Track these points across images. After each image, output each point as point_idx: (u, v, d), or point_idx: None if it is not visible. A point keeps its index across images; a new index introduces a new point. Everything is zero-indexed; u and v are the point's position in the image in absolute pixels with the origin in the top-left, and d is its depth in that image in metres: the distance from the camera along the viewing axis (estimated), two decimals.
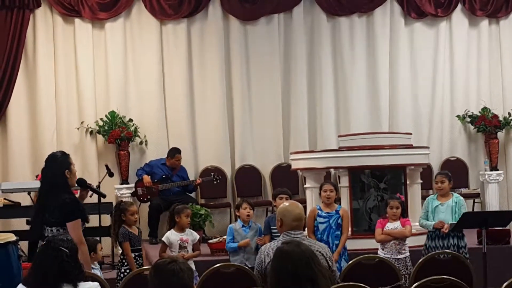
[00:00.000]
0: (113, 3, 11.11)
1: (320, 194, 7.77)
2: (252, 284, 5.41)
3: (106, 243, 9.24)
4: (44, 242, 4.12)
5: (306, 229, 7.46)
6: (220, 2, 11.52)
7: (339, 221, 7.59)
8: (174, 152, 10.82)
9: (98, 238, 7.75)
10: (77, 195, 6.00)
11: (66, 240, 4.08)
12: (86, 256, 5.75)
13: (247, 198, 8.18)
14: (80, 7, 10.94)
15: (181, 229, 7.32)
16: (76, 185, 5.98)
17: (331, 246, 7.37)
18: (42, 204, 5.72)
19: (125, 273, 7.04)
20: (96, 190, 6.78)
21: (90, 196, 7.80)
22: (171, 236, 7.29)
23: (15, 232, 7.34)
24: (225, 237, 8.08)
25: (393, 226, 7.42)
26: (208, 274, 5.75)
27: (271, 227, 7.49)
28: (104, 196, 7.28)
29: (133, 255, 7.14)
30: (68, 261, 3.95)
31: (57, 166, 5.69)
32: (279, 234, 6.69)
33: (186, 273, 3.50)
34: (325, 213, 7.62)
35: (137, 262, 7.17)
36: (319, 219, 7.61)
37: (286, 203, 5.27)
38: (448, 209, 7.53)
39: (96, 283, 4.13)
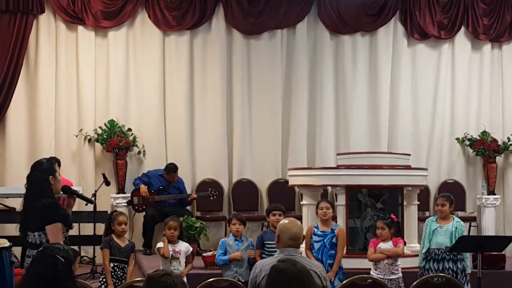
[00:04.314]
0: (117, 12, 11.12)
1: (316, 212, 7.76)
2: None
3: (100, 252, 9.19)
4: (41, 249, 4.07)
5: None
6: (223, 15, 11.53)
7: (334, 240, 7.55)
8: (171, 170, 10.72)
9: (78, 250, 7.60)
10: (65, 204, 5.96)
11: (63, 249, 4.04)
12: None
13: (238, 213, 8.12)
14: (84, 14, 10.95)
15: (172, 241, 7.31)
16: (61, 192, 5.94)
17: (324, 265, 7.32)
18: (26, 210, 5.68)
19: (103, 282, 7.02)
20: (83, 196, 6.72)
21: (86, 205, 7.80)
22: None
23: (9, 238, 7.29)
24: None
25: (385, 246, 7.40)
26: None
27: (264, 242, 7.46)
28: (92, 202, 7.22)
29: (112, 265, 7.08)
30: (63, 271, 3.90)
31: (41, 172, 5.64)
32: (272, 249, 6.72)
33: (179, 287, 3.47)
34: (320, 231, 7.59)
35: (115, 273, 7.08)
36: (315, 238, 7.60)
37: (286, 221, 5.20)
38: (447, 233, 7.47)
39: None
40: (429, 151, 12.10)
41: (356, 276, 6.15)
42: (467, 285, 7.30)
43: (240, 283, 6.15)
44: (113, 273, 7.08)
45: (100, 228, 9.21)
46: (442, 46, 12.21)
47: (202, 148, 11.48)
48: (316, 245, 7.56)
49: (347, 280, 6.16)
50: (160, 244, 7.33)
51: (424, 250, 7.56)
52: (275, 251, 5.15)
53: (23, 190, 9.52)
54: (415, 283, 6.09)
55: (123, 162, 10.88)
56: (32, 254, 5.13)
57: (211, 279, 5.84)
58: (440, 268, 7.40)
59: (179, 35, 11.45)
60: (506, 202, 12.13)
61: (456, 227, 7.50)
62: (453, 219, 7.63)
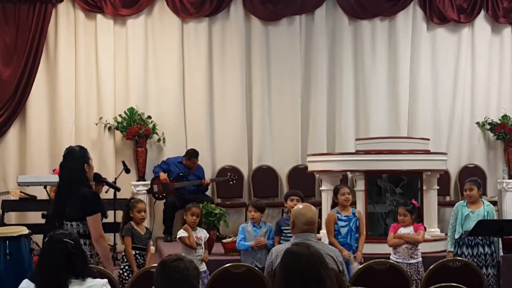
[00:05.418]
0: None
1: (336, 197, 7.68)
2: (261, 285, 5.40)
3: (120, 239, 9.27)
4: (47, 238, 4.07)
5: (326, 232, 7.52)
6: (242, 1, 11.51)
7: (357, 223, 7.56)
8: (192, 155, 10.76)
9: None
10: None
11: (68, 233, 4.07)
12: (107, 250, 5.74)
13: (256, 200, 8.11)
14: (103, 3, 10.99)
15: (193, 228, 7.33)
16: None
17: (353, 248, 7.43)
18: (61, 198, 5.68)
19: (125, 269, 7.01)
20: (111, 184, 6.77)
21: (106, 192, 7.86)
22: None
23: (30, 226, 7.38)
24: None
25: (405, 231, 7.39)
26: (218, 273, 5.72)
27: (282, 228, 7.48)
28: (119, 190, 7.27)
29: (134, 252, 7.07)
30: (75, 253, 3.93)
31: (76, 160, 5.67)
32: (289, 235, 6.73)
33: (191, 271, 3.49)
34: (344, 216, 7.56)
35: (137, 261, 7.07)
36: (340, 223, 7.51)
37: (300, 206, 5.24)
38: (479, 217, 7.44)
39: (105, 280, 4.08)
40: (450, 135, 12.04)
41: (373, 260, 6.17)
42: (492, 269, 7.27)
43: (257, 268, 6.17)
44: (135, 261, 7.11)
45: (120, 216, 9.28)
46: (462, 30, 12.12)
47: (221, 135, 11.50)
48: (343, 230, 7.50)
49: (365, 264, 6.18)
50: (183, 233, 7.25)
51: (457, 236, 7.55)
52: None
53: (43, 179, 9.64)
54: (432, 266, 6.09)
55: (143, 149, 10.93)
56: None
57: (228, 264, 5.87)
58: (474, 253, 7.41)
59: (197, 22, 11.45)
60: None
61: (488, 211, 7.55)
62: (483, 203, 7.64)
